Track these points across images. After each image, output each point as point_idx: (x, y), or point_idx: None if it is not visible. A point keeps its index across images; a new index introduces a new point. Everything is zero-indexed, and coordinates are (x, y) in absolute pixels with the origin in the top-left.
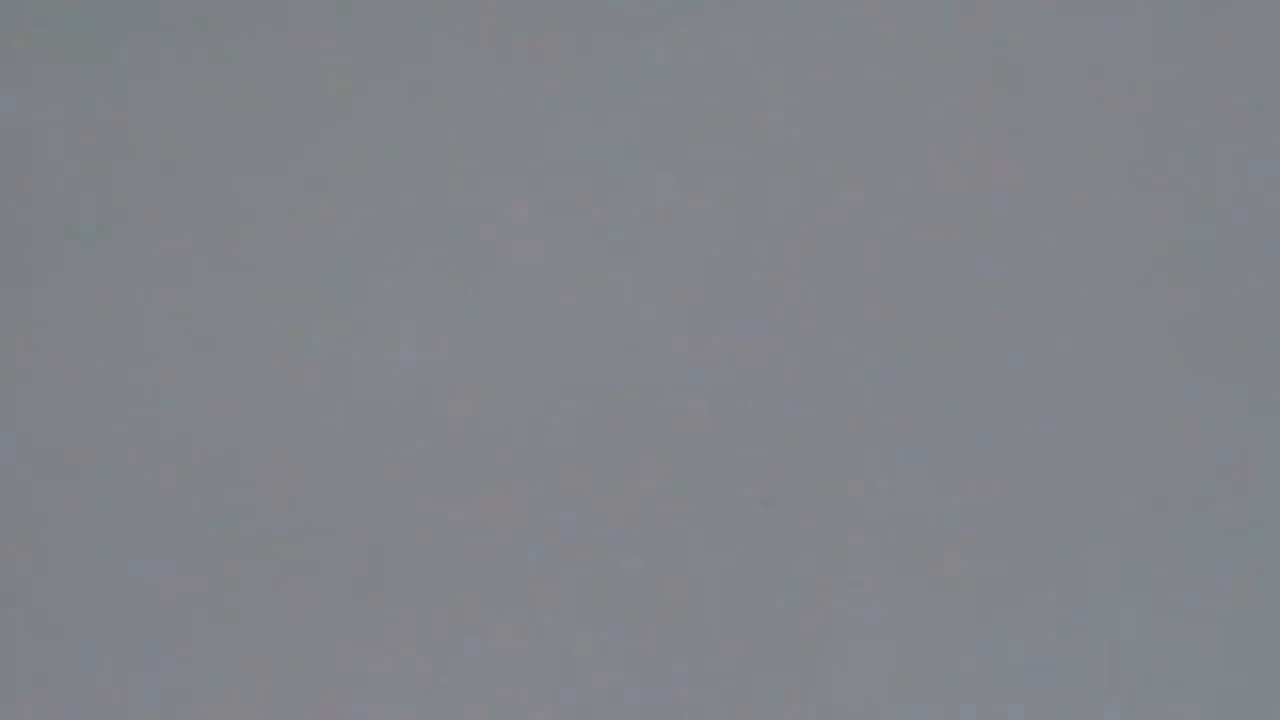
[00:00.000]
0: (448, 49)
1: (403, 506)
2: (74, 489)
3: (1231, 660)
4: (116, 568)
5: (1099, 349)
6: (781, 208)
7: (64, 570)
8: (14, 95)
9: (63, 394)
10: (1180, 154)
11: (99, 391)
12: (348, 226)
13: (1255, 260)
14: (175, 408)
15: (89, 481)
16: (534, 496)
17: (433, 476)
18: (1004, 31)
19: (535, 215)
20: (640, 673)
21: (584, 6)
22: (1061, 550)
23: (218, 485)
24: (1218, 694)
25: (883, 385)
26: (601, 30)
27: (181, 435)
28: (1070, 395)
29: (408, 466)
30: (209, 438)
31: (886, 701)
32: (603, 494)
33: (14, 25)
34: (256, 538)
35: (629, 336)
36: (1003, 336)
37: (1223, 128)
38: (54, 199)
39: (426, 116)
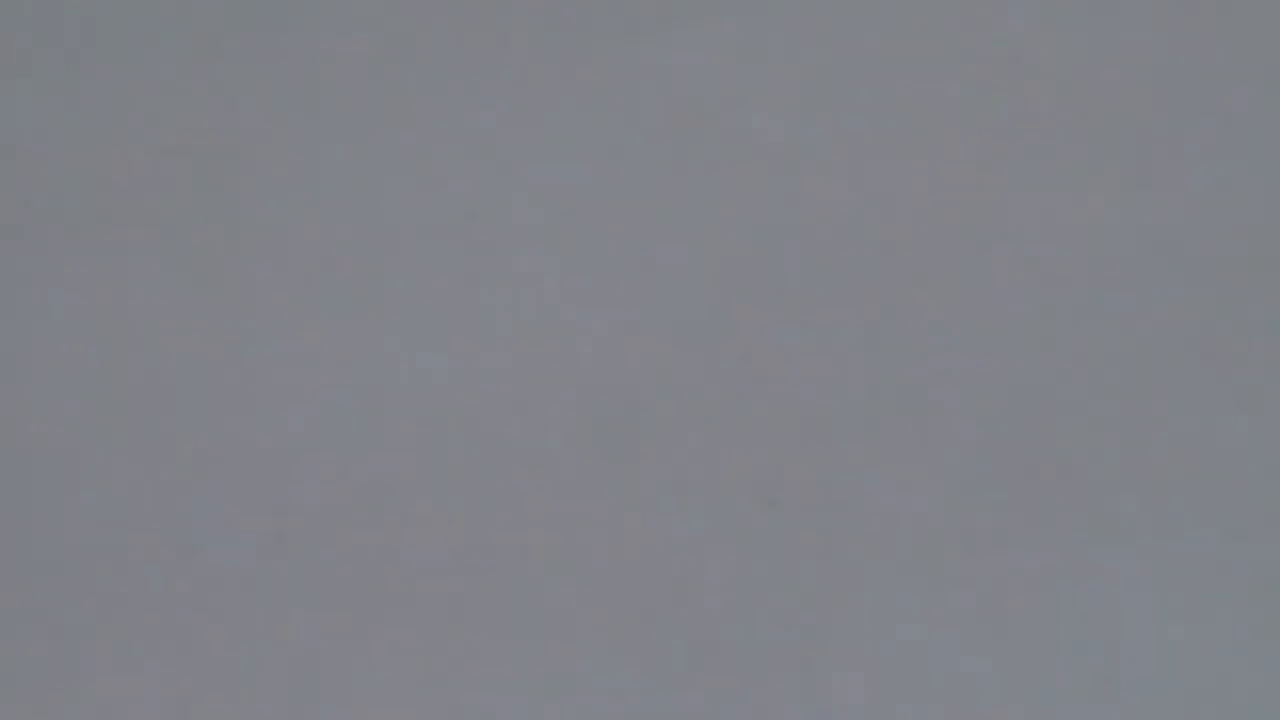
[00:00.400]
0: (441, 50)
1: (401, 507)
2: (69, 489)
3: (1233, 662)
4: (112, 568)
5: (1101, 349)
6: (783, 209)
7: (60, 571)
8: (13, 93)
9: (59, 395)
10: (1180, 154)
11: (94, 391)
12: (343, 226)
13: (1257, 260)
14: (171, 407)
15: (84, 481)
16: (534, 498)
17: (431, 478)
18: (1003, 31)
19: (535, 215)
20: (642, 674)
21: (580, 8)
22: (1066, 552)
23: (214, 484)
24: (1219, 696)
25: (889, 385)
26: (597, 32)
27: (177, 435)
28: (1073, 395)
29: (406, 467)
30: (206, 437)
31: (891, 703)
32: (605, 495)
33: (13, 24)
34: (253, 537)
35: (631, 337)
36: (1005, 336)
37: (1222, 128)
38: (55, 198)
39: (420, 117)
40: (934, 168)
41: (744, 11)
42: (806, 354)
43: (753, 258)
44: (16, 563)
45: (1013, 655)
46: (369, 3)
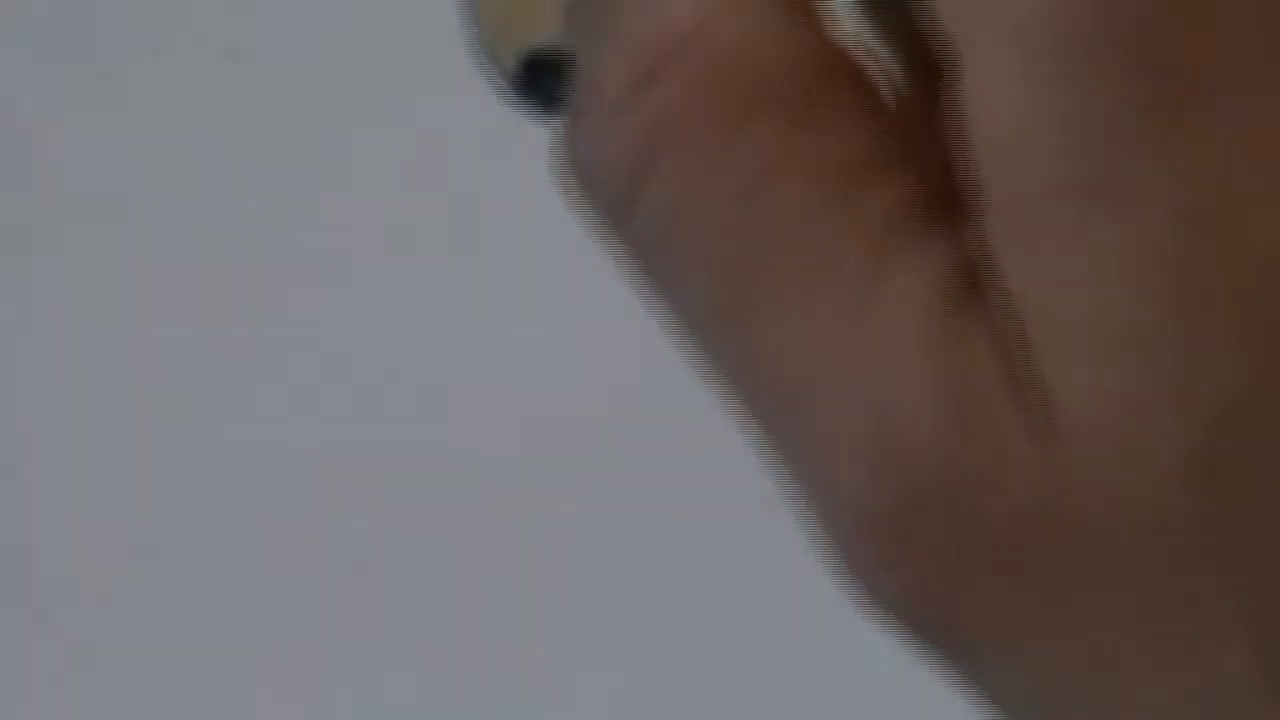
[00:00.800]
0: (430, 39)
1: (401, 509)
2: (72, 485)
3: None
4: (117, 566)
5: None
6: None
7: (60, 571)
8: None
9: (59, 392)
10: None
11: (94, 389)
12: (339, 222)
13: None
14: (172, 405)
15: (86, 478)
16: (534, 501)
17: (431, 478)
18: None
19: (532, 209)
20: (641, 670)
21: None
22: None
23: (217, 484)
24: None
25: None
26: None
27: (178, 434)
28: None
29: (407, 468)
30: (207, 437)
31: (891, 705)
32: (605, 494)
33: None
34: (257, 538)
35: (631, 333)
36: None
37: None
38: (42, 195)
39: (414, 108)
40: None
41: None
42: None
43: None
44: (16, 565)
45: None
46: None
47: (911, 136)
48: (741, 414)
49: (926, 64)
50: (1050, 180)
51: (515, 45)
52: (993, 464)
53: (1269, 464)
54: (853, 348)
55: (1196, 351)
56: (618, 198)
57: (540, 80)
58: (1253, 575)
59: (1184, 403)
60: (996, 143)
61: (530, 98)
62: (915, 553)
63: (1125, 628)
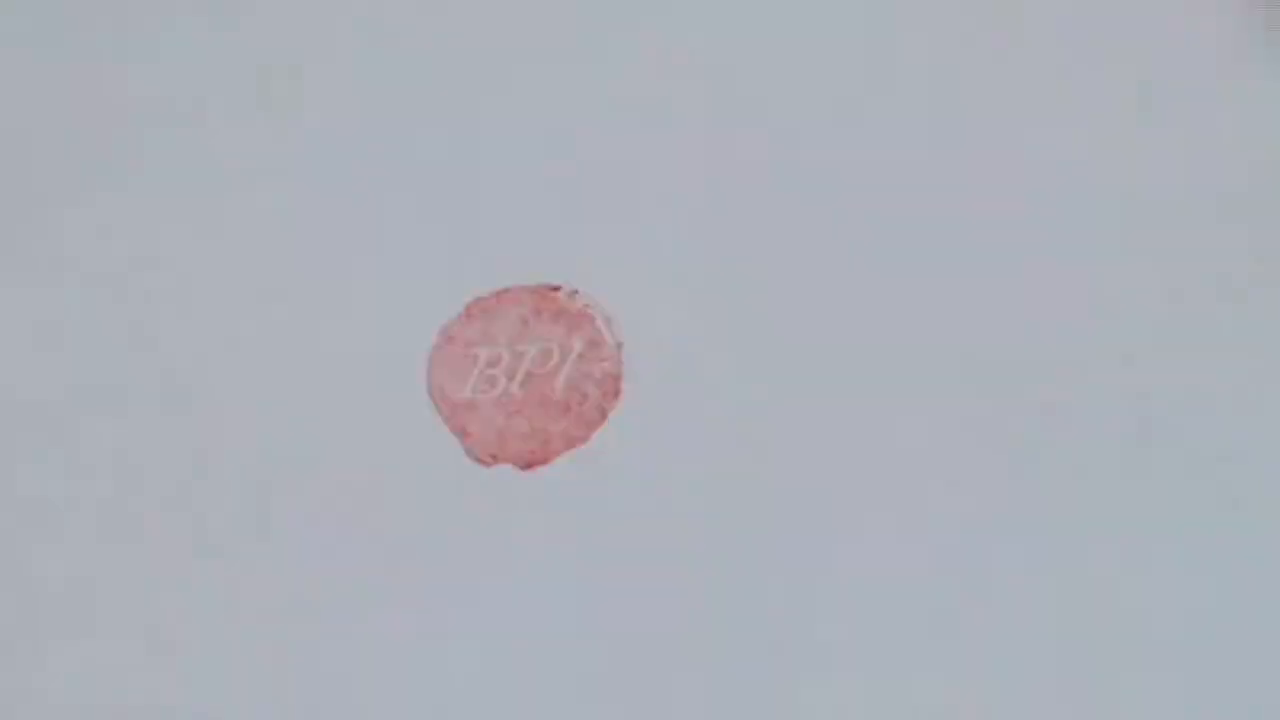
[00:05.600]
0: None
1: (404, 497)
2: (78, 475)
3: (1229, 666)
4: (131, 558)
5: (1099, 345)
6: (773, 189)
7: (73, 550)
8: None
9: (62, 374)
10: (1175, 124)
11: (99, 376)
12: (337, 204)
13: (1258, 237)
14: (178, 392)
15: (90, 470)
16: (520, 510)
17: (424, 477)
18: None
19: (518, 189)
20: (630, 680)
21: None
22: (1063, 547)
23: (226, 473)
24: (1217, 711)
25: (875, 370)
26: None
27: (185, 423)
28: (1073, 397)
29: (409, 458)
30: (211, 429)
31: (878, 646)
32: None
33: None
34: (265, 518)
35: (625, 303)
36: (992, 315)
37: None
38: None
39: (407, 77)
40: (918, 127)
41: None
42: (794, 331)
43: (740, 220)
44: (21, 547)
45: (998, 601)
46: None
47: None
48: None
49: None
50: None
51: None
52: None
53: None
54: None
55: None
56: None
57: None
58: None
59: None
60: None
61: None
62: None
63: None
